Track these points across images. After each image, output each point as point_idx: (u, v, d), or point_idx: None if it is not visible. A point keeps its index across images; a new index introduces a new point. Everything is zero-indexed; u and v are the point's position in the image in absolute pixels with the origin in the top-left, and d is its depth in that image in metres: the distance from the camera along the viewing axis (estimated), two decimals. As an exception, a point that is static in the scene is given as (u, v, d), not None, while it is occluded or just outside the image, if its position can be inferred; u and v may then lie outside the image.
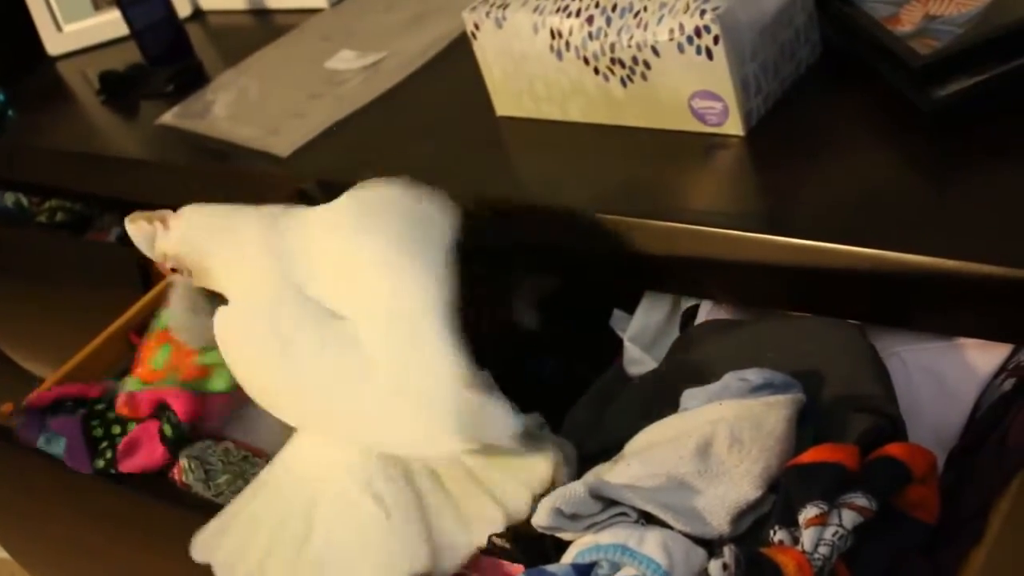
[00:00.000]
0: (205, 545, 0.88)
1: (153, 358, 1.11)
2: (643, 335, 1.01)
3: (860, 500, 0.69)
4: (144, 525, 1.02)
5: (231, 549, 0.87)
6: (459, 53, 1.33)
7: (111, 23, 1.84)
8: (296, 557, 0.84)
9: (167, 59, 1.63)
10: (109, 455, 1.00)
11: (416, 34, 1.45)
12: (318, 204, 0.98)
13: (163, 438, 0.99)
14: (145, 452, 0.99)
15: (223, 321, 0.93)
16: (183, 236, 0.95)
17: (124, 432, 1.01)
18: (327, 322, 0.89)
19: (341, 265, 0.91)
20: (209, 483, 0.97)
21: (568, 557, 0.71)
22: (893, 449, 0.72)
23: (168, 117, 1.48)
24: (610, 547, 0.69)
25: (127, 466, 0.99)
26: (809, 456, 0.72)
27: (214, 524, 0.89)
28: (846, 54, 1.04)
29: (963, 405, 0.86)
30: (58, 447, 1.03)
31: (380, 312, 0.88)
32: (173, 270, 0.98)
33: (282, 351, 0.89)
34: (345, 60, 1.46)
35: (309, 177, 1.23)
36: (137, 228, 0.97)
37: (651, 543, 0.68)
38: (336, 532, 0.84)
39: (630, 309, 1.09)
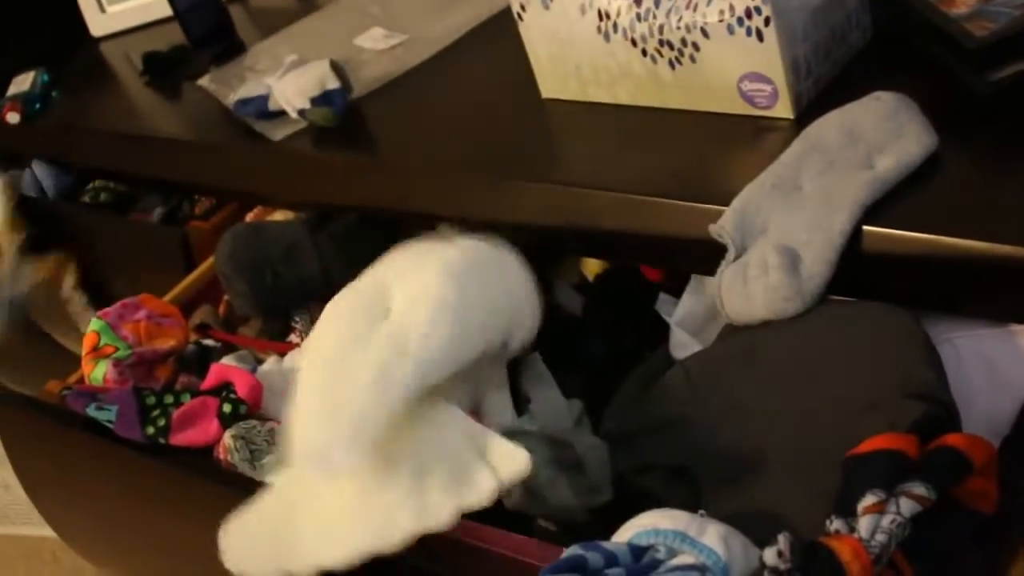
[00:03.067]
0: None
1: (92, 373, 1.12)
2: (690, 319, 1.01)
3: (919, 489, 0.68)
4: (186, 501, 1.03)
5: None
6: (498, 33, 1.33)
7: (154, 4, 1.84)
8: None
9: (210, 40, 1.63)
10: (161, 423, 1.00)
11: (451, 14, 1.45)
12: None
13: (221, 416, 0.99)
14: (200, 427, 0.99)
15: None
16: None
17: (177, 403, 1.02)
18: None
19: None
20: (254, 463, 0.97)
21: (624, 536, 0.71)
22: (954, 439, 0.71)
23: (205, 80, 1.51)
24: (669, 533, 0.68)
25: (178, 439, 0.99)
26: (868, 445, 0.71)
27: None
28: (898, 36, 1.03)
29: (1016, 392, 0.85)
30: (109, 414, 1.03)
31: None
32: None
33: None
34: (373, 38, 1.46)
35: (344, 155, 1.24)
36: None
37: (711, 534, 0.68)
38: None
39: (677, 293, 1.08)
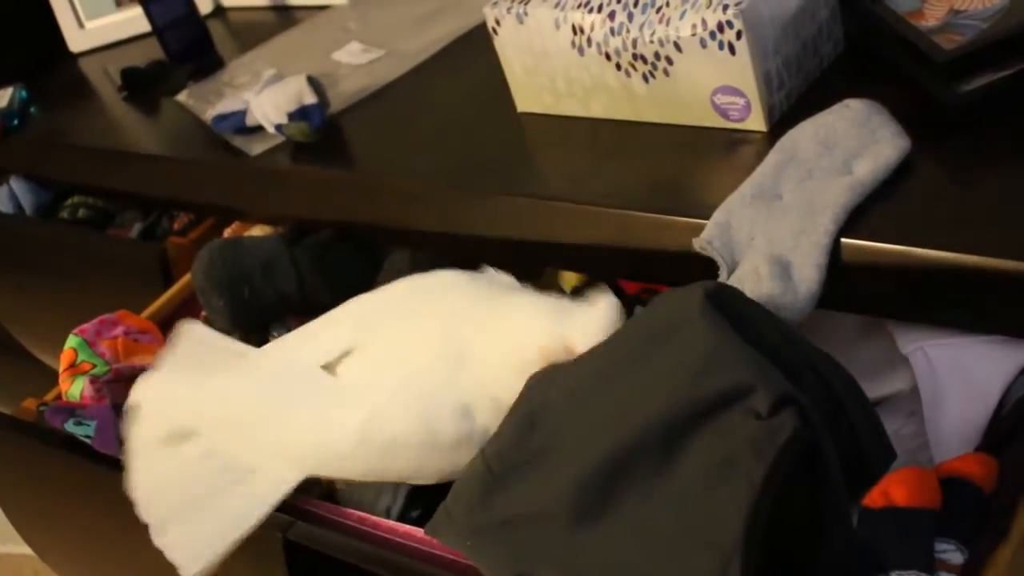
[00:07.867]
0: None
1: (70, 390, 1.13)
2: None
3: (955, 557, 0.68)
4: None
5: None
6: (474, 48, 1.33)
7: (133, 20, 1.84)
8: None
9: (188, 56, 1.64)
10: None
11: (428, 30, 1.46)
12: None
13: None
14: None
15: None
16: None
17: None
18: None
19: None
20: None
21: None
22: (968, 469, 0.71)
23: (183, 96, 1.53)
24: None
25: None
26: (904, 497, 0.70)
27: None
28: (869, 49, 1.04)
29: (988, 402, 0.85)
30: (87, 429, 1.03)
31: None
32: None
33: None
34: (351, 53, 1.47)
35: (321, 170, 1.24)
36: None
37: None
38: None
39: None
